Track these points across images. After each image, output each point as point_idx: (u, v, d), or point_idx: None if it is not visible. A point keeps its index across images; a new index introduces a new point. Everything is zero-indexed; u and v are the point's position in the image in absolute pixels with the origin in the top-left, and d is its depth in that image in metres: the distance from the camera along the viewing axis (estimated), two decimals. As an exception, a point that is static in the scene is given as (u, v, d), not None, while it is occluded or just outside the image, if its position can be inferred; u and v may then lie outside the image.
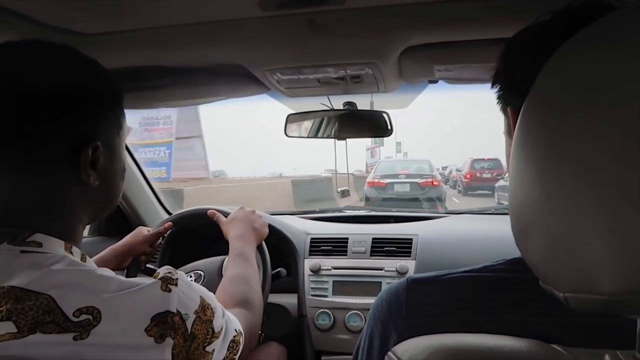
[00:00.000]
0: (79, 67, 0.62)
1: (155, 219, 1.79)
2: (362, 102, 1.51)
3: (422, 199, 10.06)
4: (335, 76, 1.19)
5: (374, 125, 1.44)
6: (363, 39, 1.00)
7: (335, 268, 1.54)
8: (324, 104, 1.46)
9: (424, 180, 10.64)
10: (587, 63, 0.33)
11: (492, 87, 0.57)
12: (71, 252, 0.59)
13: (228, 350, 0.66)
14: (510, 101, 0.54)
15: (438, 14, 0.90)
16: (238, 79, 1.22)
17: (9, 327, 0.49)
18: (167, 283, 0.58)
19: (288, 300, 1.52)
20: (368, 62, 1.09)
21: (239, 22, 0.94)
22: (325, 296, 1.50)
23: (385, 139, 1.60)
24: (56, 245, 0.58)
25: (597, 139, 0.31)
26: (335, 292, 1.50)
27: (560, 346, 0.42)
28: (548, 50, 0.37)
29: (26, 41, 0.61)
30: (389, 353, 0.47)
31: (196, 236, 1.53)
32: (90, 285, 0.54)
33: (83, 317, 0.51)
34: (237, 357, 0.69)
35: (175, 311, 0.56)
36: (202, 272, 1.26)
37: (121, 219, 1.77)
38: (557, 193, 0.33)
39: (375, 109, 1.50)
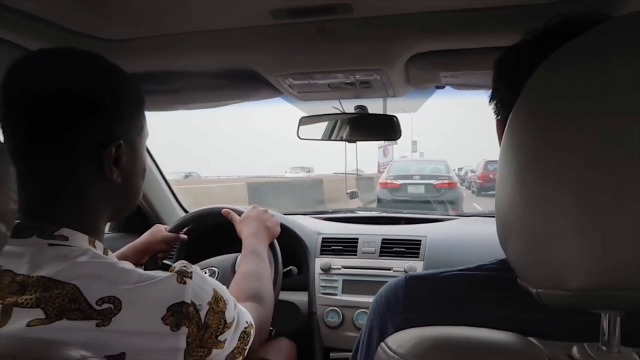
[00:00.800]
0: (103, 72, 0.66)
1: (173, 217, 1.84)
2: (374, 105, 1.53)
3: (437, 202, 9.46)
4: (345, 81, 1.22)
5: (383, 129, 1.46)
6: (370, 47, 1.03)
7: (345, 267, 1.56)
8: (336, 108, 1.49)
9: (439, 182, 10.02)
10: (564, 79, 0.37)
11: (489, 103, 0.61)
12: (94, 246, 0.63)
13: (239, 340, 0.69)
14: (499, 113, 0.58)
15: (443, 23, 0.93)
16: (252, 83, 1.26)
17: (38, 313, 0.54)
18: (183, 276, 0.62)
19: (298, 297, 1.56)
20: (375, 69, 1.12)
21: (253, 29, 0.99)
22: (335, 294, 1.53)
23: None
24: (81, 239, 0.62)
25: (571, 148, 0.34)
26: (344, 291, 1.53)
27: (536, 339, 0.45)
28: (528, 66, 0.40)
29: (57, 49, 0.66)
30: (382, 344, 0.51)
31: (211, 234, 1.57)
32: (112, 276, 0.58)
33: (105, 305, 0.55)
34: (247, 347, 0.72)
35: (189, 302, 0.60)
36: (216, 269, 1.30)
37: (140, 217, 1.83)
38: (534, 197, 0.37)
39: (387, 112, 1.53)
